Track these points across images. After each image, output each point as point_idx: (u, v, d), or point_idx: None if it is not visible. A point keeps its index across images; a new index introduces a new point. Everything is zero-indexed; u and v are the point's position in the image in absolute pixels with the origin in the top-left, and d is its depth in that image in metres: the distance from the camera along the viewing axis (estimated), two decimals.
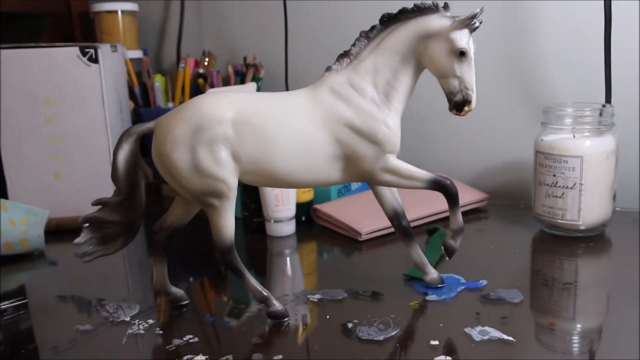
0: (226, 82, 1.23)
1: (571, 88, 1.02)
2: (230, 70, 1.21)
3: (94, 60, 0.99)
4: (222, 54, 1.30)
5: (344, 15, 1.17)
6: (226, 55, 1.30)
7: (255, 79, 1.19)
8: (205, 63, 1.23)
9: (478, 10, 0.60)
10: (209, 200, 0.61)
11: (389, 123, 0.62)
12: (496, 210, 1.01)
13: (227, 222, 0.62)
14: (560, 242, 0.85)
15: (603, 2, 0.92)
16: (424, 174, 0.64)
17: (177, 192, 0.64)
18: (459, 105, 0.61)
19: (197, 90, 1.21)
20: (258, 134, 0.60)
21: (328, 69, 0.64)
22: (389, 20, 0.63)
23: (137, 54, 1.27)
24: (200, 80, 1.19)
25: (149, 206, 0.68)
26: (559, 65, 1.03)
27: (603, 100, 0.95)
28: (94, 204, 0.64)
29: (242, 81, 1.20)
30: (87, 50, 0.98)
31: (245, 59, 1.23)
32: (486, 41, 1.05)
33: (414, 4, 0.61)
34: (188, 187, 0.61)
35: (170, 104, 1.24)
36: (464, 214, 0.96)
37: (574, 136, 0.85)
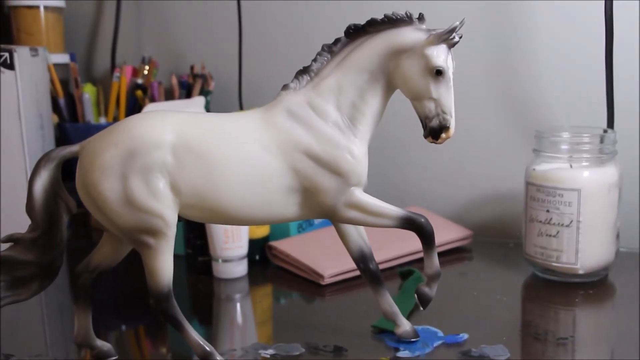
0: (169, 95, 1.24)
1: (568, 110, 1.05)
2: (175, 81, 1.22)
3: (9, 65, 0.99)
4: (165, 62, 1.31)
5: (308, 22, 1.20)
6: (170, 64, 1.31)
7: (203, 92, 1.20)
8: (145, 72, 1.24)
9: (457, 23, 0.61)
10: (143, 238, 0.61)
11: (354, 151, 0.63)
12: (481, 249, 1.03)
13: (163, 265, 0.62)
14: (555, 289, 0.87)
15: (604, 13, 0.95)
16: (394, 210, 0.65)
17: (105, 227, 0.64)
18: (435, 131, 0.62)
19: (134, 103, 1.22)
20: (202, 162, 0.61)
21: (285, 87, 0.65)
22: (355, 33, 0.64)
23: (63, 58, 1.27)
24: (139, 93, 1.20)
25: (74, 240, 0.68)
26: (554, 84, 1.06)
27: (604, 125, 0.98)
28: (4, 240, 0.64)
29: (189, 95, 1.21)
30: (0, 53, 0.98)
31: (192, 68, 1.24)
32: (470, 56, 1.08)
33: (385, 15, 0.63)
34: (118, 223, 0.61)
35: (102, 119, 1.24)
36: (444, 253, 0.99)
37: (571, 166, 0.88)
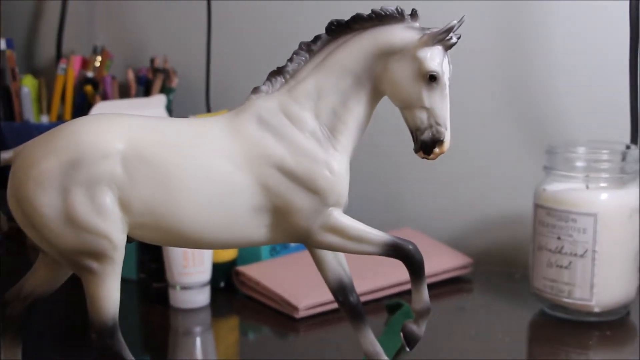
0: (124, 92, 1.24)
1: (585, 122, 1.07)
2: (131, 76, 1.23)
3: None
4: (120, 53, 1.31)
5: (287, 15, 1.21)
6: (126, 55, 1.32)
7: (165, 90, 1.21)
8: (97, 64, 1.24)
9: (455, 21, 0.62)
10: (85, 262, 0.62)
11: (334, 166, 0.64)
12: (482, 280, 1.05)
13: (108, 293, 0.62)
14: (567, 329, 0.88)
15: (629, 13, 0.97)
16: (377, 235, 0.65)
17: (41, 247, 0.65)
18: (427, 145, 0.63)
19: (82, 100, 1.22)
20: (157, 175, 0.61)
21: (255, 90, 0.66)
22: (338, 30, 0.65)
23: None
24: (89, 88, 1.20)
25: (6, 261, 0.68)
26: (570, 92, 1.07)
27: (627, 140, 0.99)
28: None
29: (147, 92, 1.22)
30: None
31: (152, 61, 1.24)
32: (471, 59, 1.09)
33: (372, 10, 0.64)
34: (56, 244, 0.61)
35: (44, 119, 1.24)
36: (439, 284, 1.00)
37: (587, 186, 0.89)
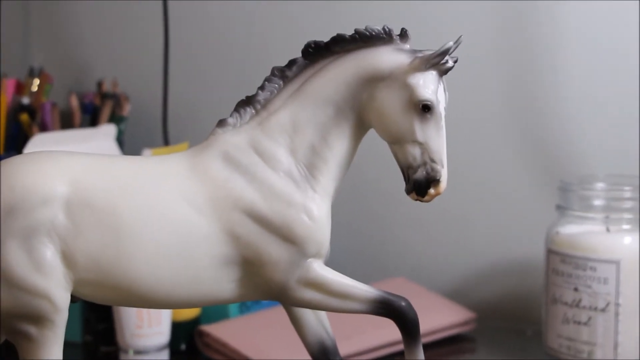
0: (67, 122, 1.24)
1: (604, 154, 1.08)
2: (75, 102, 1.22)
3: None
4: (62, 76, 1.30)
5: (259, 31, 1.21)
6: (69, 78, 1.31)
7: (115, 119, 1.21)
8: (34, 88, 1.24)
9: (452, 42, 0.63)
10: (21, 326, 0.61)
11: (313, 210, 0.64)
12: (487, 339, 1.05)
13: None
14: None
15: None
16: (364, 290, 0.65)
17: None
18: (420, 185, 0.63)
19: (17, 132, 1.21)
20: (106, 224, 0.62)
21: (221, 123, 0.66)
22: (316, 53, 0.65)
23: None
24: (24, 117, 1.20)
25: None
26: (586, 121, 1.09)
27: None
28: None
29: (94, 122, 1.21)
30: None
31: (100, 85, 1.24)
32: (474, 84, 1.11)
33: (355, 30, 0.64)
34: None
35: None
36: (438, 344, 1.00)
37: (608, 229, 0.90)
